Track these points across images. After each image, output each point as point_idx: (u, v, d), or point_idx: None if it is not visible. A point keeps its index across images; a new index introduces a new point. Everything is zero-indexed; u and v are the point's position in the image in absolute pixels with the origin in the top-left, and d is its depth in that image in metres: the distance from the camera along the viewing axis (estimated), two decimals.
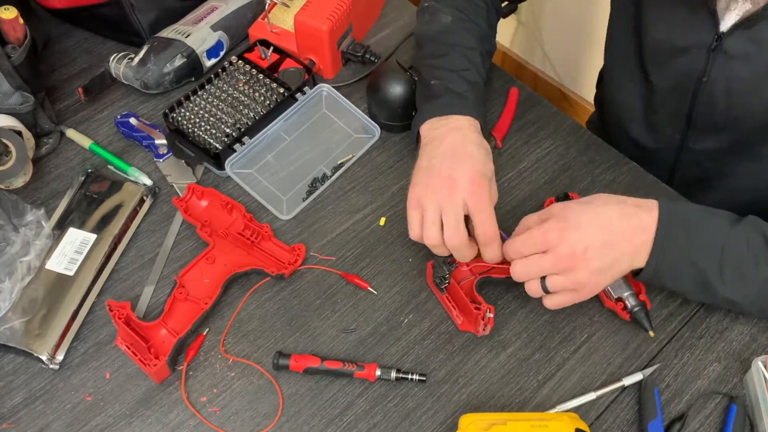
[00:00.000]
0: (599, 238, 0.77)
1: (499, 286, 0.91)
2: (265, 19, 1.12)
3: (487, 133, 1.04)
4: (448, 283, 0.87)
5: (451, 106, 0.90)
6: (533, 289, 0.80)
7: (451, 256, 0.88)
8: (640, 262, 0.79)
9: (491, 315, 0.83)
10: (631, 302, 0.86)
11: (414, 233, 0.85)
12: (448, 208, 0.82)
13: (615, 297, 0.86)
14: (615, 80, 1.08)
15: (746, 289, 0.79)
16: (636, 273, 0.81)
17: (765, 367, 0.80)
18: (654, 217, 0.78)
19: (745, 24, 0.84)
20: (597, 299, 0.89)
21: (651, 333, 0.85)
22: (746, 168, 0.97)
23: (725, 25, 0.86)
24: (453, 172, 0.83)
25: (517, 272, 0.80)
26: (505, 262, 0.90)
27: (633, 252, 0.78)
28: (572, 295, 0.79)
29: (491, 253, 0.84)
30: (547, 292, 0.79)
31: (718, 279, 0.78)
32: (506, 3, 1.10)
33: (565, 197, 0.94)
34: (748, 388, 0.83)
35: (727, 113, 0.93)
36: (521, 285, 0.89)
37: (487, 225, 0.82)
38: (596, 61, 1.94)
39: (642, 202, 0.80)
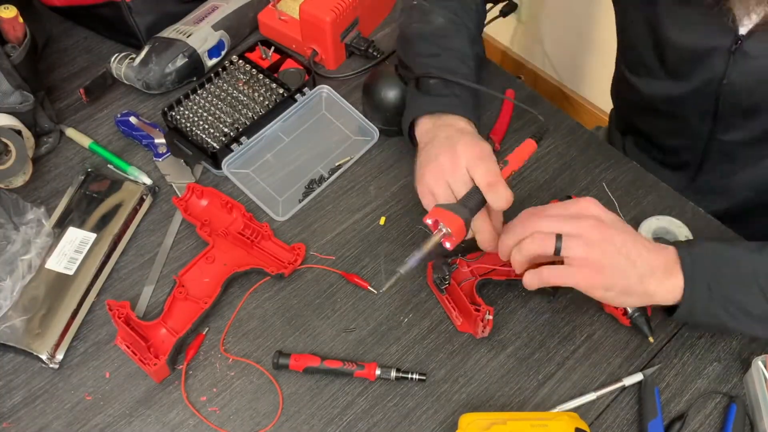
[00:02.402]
0: (627, 230, 0.76)
1: (498, 286, 0.91)
2: (276, 6, 1.14)
3: (484, 135, 1.04)
4: (448, 283, 0.87)
5: (447, 105, 0.89)
6: (546, 244, 0.74)
7: (451, 256, 0.89)
8: (655, 286, 0.76)
9: (490, 317, 0.83)
10: (630, 309, 0.85)
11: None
12: (455, 182, 0.79)
13: None
14: (635, 85, 1.05)
15: None
16: (669, 313, 0.80)
17: (765, 366, 0.80)
18: (673, 254, 0.77)
19: (765, 26, 0.84)
20: (597, 303, 0.89)
21: (651, 339, 0.85)
22: None
23: (744, 28, 0.86)
24: (452, 148, 0.81)
25: (540, 223, 0.75)
26: (506, 263, 0.90)
27: (648, 269, 0.76)
28: (580, 269, 0.74)
29: (498, 196, 0.77)
30: (558, 254, 0.74)
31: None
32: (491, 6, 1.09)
33: (567, 199, 0.93)
34: (748, 388, 0.83)
35: (753, 110, 0.92)
36: (521, 285, 0.89)
37: (490, 172, 0.78)
38: (596, 60, 1.95)
39: (658, 244, 0.79)
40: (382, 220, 0.97)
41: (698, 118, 0.99)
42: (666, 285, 0.76)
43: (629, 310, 0.85)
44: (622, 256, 0.75)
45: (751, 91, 0.90)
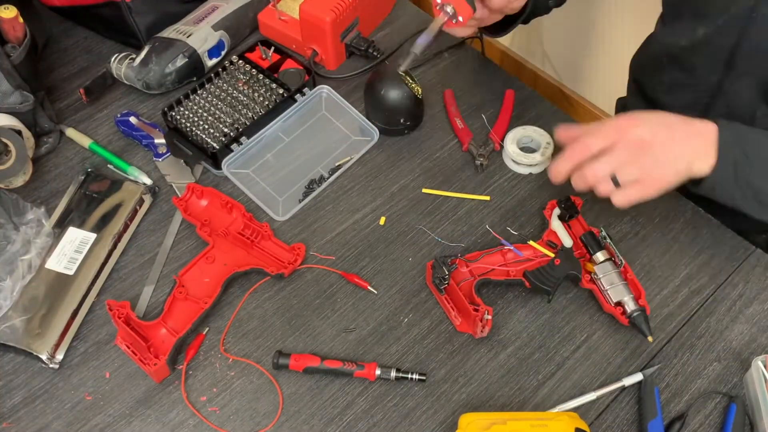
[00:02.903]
0: (665, 131, 0.81)
1: (498, 286, 0.91)
2: (277, 6, 1.14)
3: (484, 136, 1.04)
4: (448, 283, 0.87)
5: None
6: (606, 187, 0.82)
7: (450, 257, 0.88)
8: (699, 167, 0.82)
9: (489, 317, 0.83)
10: (630, 307, 0.85)
11: None
12: None
13: (614, 301, 0.86)
14: (659, 38, 1.09)
15: None
16: (696, 183, 0.84)
17: (765, 366, 0.80)
18: (712, 127, 0.82)
19: None
20: (596, 303, 0.89)
21: (650, 338, 0.85)
22: None
23: None
24: None
25: (595, 169, 0.80)
26: (504, 263, 0.91)
27: (693, 154, 0.82)
28: (638, 187, 0.81)
29: None
30: (617, 185, 0.80)
31: None
32: None
33: (567, 200, 0.93)
34: (747, 388, 0.83)
35: None
36: (520, 285, 0.89)
37: None
38: (596, 60, 1.95)
39: (697, 124, 0.83)
40: (381, 220, 0.97)
41: (710, 67, 0.99)
42: (708, 164, 0.82)
43: (628, 309, 0.85)
44: (670, 161, 0.81)
45: None
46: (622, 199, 0.82)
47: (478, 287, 0.88)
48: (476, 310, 0.84)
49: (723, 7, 0.93)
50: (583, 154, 0.81)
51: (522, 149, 1.01)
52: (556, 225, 0.93)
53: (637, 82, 1.19)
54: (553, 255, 0.89)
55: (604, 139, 0.80)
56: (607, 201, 0.98)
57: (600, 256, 0.89)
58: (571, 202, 0.93)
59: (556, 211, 0.94)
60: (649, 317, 0.86)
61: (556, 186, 1.00)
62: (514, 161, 1.01)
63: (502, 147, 1.02)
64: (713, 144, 0.82)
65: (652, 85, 1.13)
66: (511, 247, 0.90)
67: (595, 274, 0.88)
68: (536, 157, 1.00)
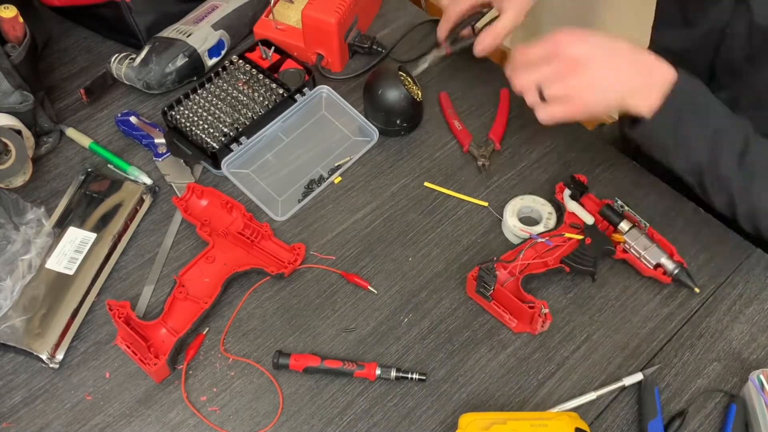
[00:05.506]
0: (605, 55, 0.79)
1: (538, 279, 0.91)
2: (270, 16, 1.13)
3: (485, 136, 1.04)
4: (493, 289, 0.86)
5: None
6: (531, 98, 0.82)
7: (493, 261, 0.88)
8: (635, 104, 0.80)
9: (547, 310, 0.84)
10: (670, 266, 0.88)
11: None
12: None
13: (654, 264, 0.88)
14: (660, 30, 1.09)
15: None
16: (632, 124, 0.83)
17: (763, 381, 0.79)
18: (669, 72, 0.80)
19: None
20: (595, 302, 0.88)
21: (696, 289, 0.88)
22: (756, 123, 0.98)
23: None
24: None
25: (521, 77, 0.81)
26: (539, 255, 0.90)
27: (630, 87, 0.80)
28: (563, 106, 0.81)
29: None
30: (542, 99, 0.81)
31: (709, 159, 0.81)
32: None
33: (573, 179, 0.94)
34: (745, 400, 0.82)
35: (746, 64, 0.93)
36: (561, 272, 0.89)
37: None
38: None
39: (660, 60, 0.81)
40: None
41: (695, 71, 0.98)
42: (646, 104, 0.80)
43: (669, 269, 0.88)
44: (601, 88, 0.80)
45: (749, 42, 0.91)
46: (543, 114, 0.82)
47: (524, 284, 0.88)
48: (531, 308, 0.83)
49: (700, 21, 0.95)
50: (520, 58, 0.82)
51: (522, 220, 0.95)
52: (573, 206, 0.93)
53: None
54: (581, 237, 0.89)
55: (541, 49, 0.80)
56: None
57: (624, 225, 0.90)
58: (577, 179, 0.94)
59: (567, 192, 0.94)
60: (689, 270, 0.89)
61: (555, 180, 0.99)
62: (515, 235, 0.94)
63: (502, 218, 0.96)
64: (660, 86, 0.79)
65: None
66: (539, 239, 0.90)
67: (626, 243, 0.89)
68: (539, 229, 0.92)
